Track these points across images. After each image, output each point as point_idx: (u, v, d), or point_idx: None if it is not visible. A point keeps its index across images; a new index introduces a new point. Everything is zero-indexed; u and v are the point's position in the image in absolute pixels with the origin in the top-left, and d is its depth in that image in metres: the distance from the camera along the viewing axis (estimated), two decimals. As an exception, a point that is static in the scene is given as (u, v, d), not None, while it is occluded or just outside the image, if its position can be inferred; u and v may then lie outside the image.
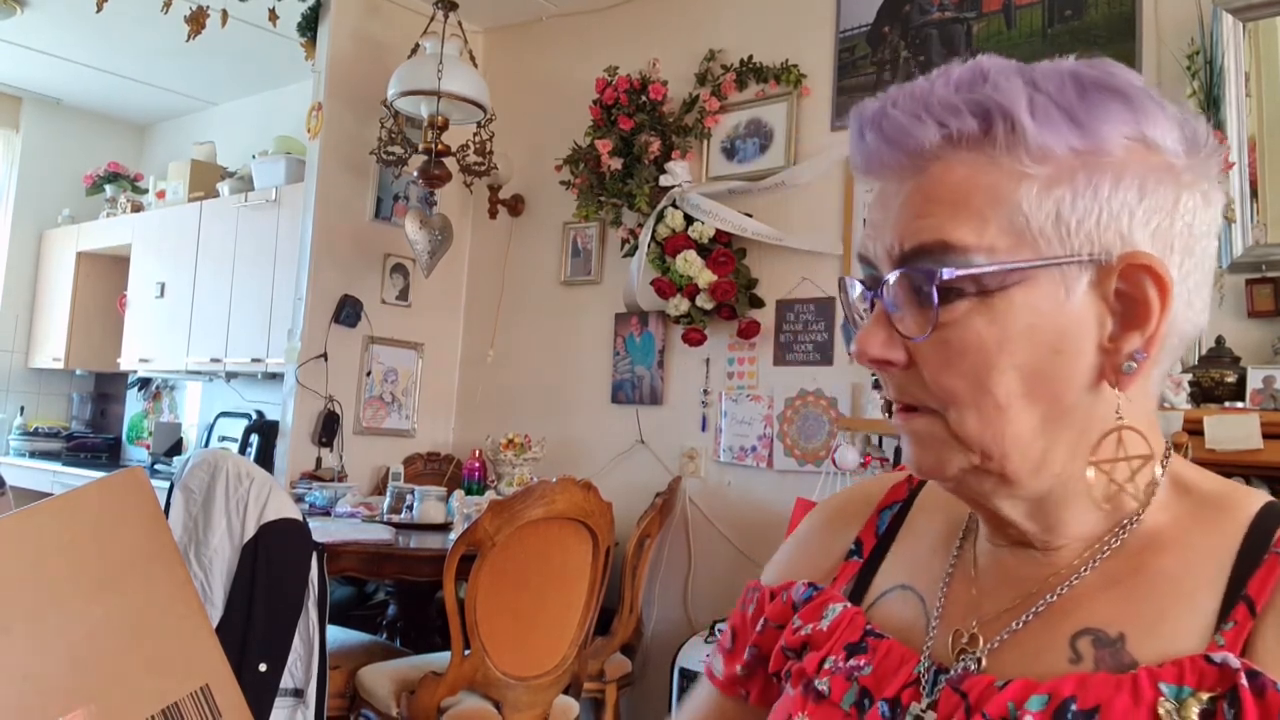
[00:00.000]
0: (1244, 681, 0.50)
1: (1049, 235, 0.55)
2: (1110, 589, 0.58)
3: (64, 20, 4.43)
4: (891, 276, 0.58)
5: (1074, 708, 0.53)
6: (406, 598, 3.30)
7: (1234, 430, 2.06)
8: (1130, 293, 0.55)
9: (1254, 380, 2.23)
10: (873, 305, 0.61)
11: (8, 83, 5.34)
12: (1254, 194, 2.45)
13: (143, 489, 0.81)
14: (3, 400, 5.56)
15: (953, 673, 0.60)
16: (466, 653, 2.41)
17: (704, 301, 3.28)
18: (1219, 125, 2.44)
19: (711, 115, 3.48)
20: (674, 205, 3.38)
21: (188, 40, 3.71)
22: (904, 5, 3.14)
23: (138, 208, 5.37)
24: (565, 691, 2.60)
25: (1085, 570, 0.59)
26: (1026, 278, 0.55)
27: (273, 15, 3.68)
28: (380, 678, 2.53)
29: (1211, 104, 2.47)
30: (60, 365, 5.41)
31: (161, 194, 5.17)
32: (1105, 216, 0.54)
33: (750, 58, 3.42)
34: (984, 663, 0.60)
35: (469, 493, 3.46)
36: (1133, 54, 2.68)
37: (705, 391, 3.45)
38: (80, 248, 5.44)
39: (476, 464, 3.76)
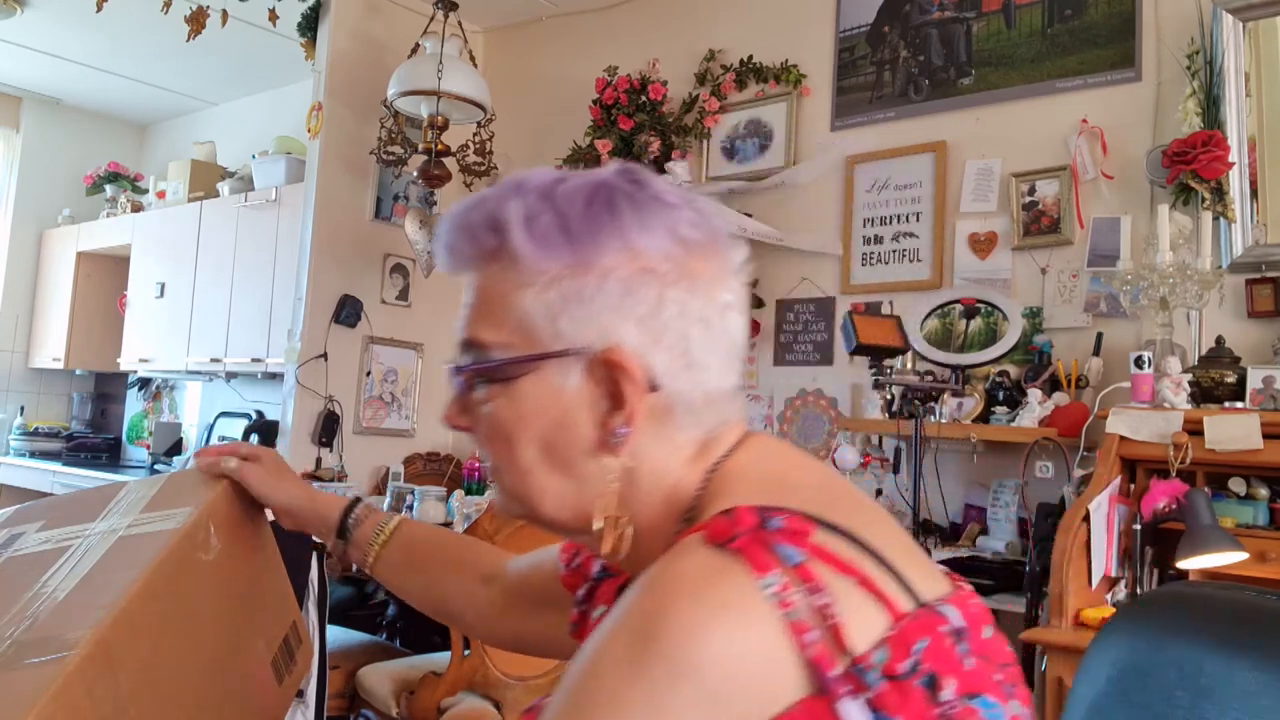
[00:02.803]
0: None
1: (546, 333, 0.66)
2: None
3: (64, 20, 4.43)
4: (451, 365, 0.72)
5: None
6: (406, 598, 3.30)
7: (1234, 430, 2.06)
8: (609, 381, 0.66)
9: (1254, 380, 2.23)
10: None
11: (8, 83, 5.34)
12: (1254, 194, 2.45)
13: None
14: (3, 400, 5.56)
15: None
16: (466, 653, 2.41)
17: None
18: (1219, 125, 2.44)
19: (711, 115, 3.48)
20: (674, 205, 3.38)
21: (188, 40, 3.71)
22: (904, 5, 3.14)
23: (138, 208, 5.37)
24: (565, 691, 2.59)
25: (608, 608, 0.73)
26: (535, 368, 0.67)
27: (273, 15, 3.68)
28: (380, 678, 2.53)
29: (1211, 104, 2.47)
30: (60, 365, 5.41)
31: (161, 194, 5.17)
32: (587, 316, 0.65)
33: (750, 58, 3.42)
34: None
35: (469, 493, 3.46)
36: (1133, 54, 2.68)
37: (705, 391, 3.44)
38: (80, 248, 5.43)
39: (476, 464, 3.76)
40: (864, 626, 0.55)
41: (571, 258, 0.66)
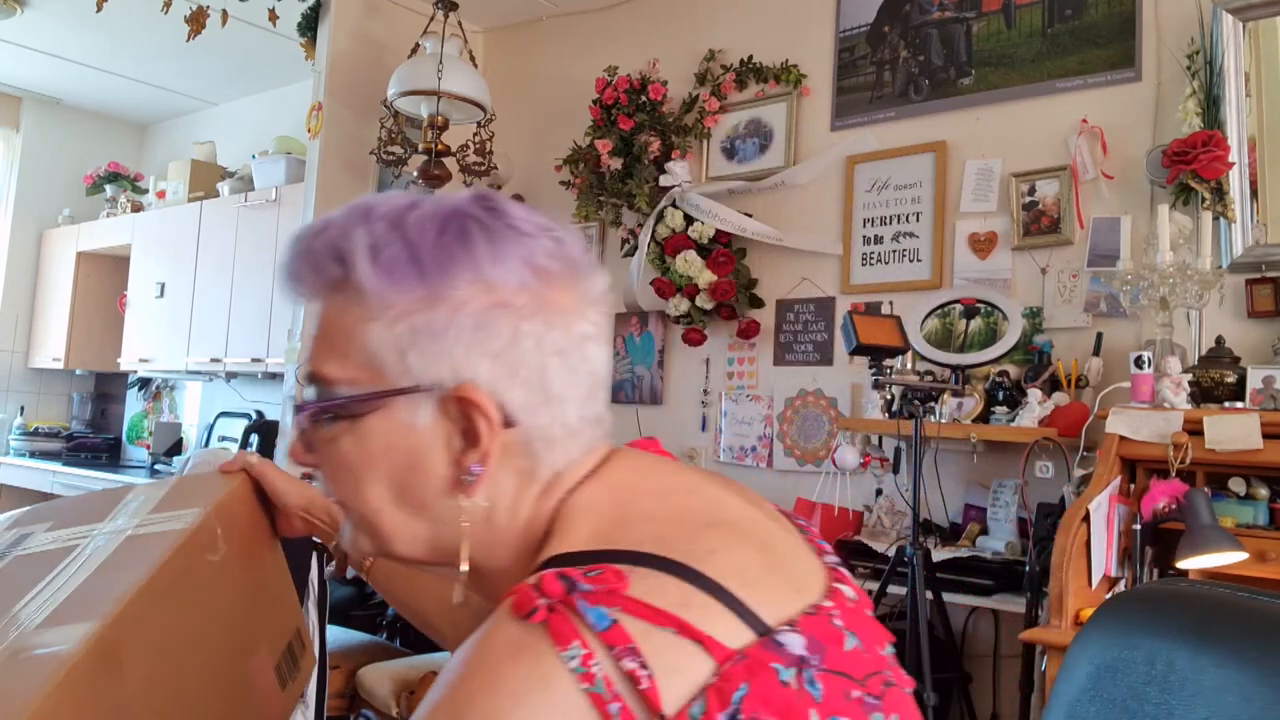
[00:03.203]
0: None
1: (394, 369, 0.64)
2: None
3: (64, 20, 4.43)
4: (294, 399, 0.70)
5: None
6: (406, 598, 3.30)
7: (1234, 430, 2.06)
8: (463, 418, 0.64)
9: (1254, 380, 2.23)
10: None
11: (8, 83, 5.33)
12: (1254, 194, 2.45)
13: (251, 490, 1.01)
14: (3, 400, 5.56)
15: None
16: (466, 653, 2.41)
17: (704, 301, 3.28)
18: (1219, 125, 2.44)
19: (711, 115, 3.48)
20: (674, 205, 3.38)
21: (188, 40, 3.71)
22: (904, 5, 3.14)
23: (138, 208, 5.37)
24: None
25: None
26: (382, 405, 0.64)
27: (273, 15, 3.68)
28: (380, 678, 2.53)
29: (1211, 104, 2.47)
30: (60, 365, 5.41)
31: (161, 194, 5.17)
32: (439, 351, 0.63)
33: (750, 58, 3.42)
34: None
35: (469, 493, 3.46)
36: (1133, 54, 2.68)
37: (705, 391, 3.45)
38: (80, 248, 5.43)
39: (476, 464, 3.75)
40: (681, 682, 0.54)
41: (422, 290, 0.63)
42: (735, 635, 0.57)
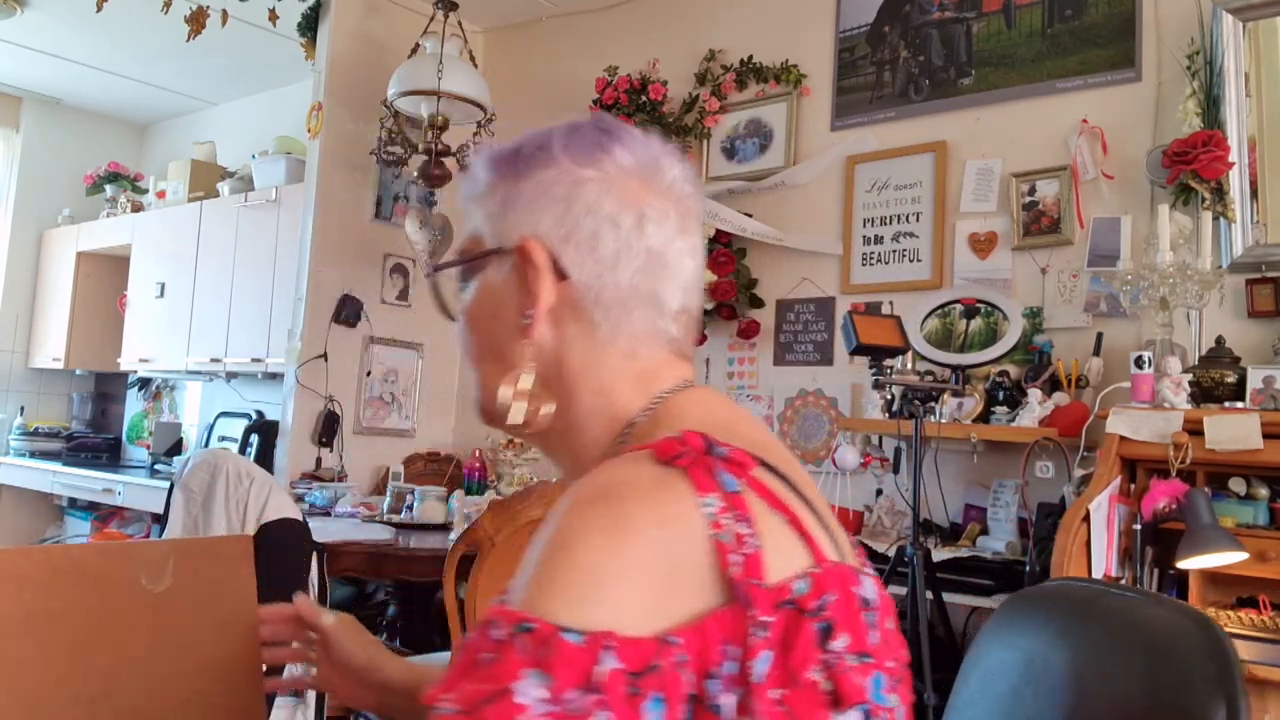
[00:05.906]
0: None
1: (488, 237, 0.76)
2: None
3: (64, 20, 4.43)
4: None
5: None
6: (406, 598, 3.30)
7: (1234, 430, 2.06)
8: (522, 269, 0.73)
9: (1254, 380, 2.23)
10: None
11: (8, 83, 5.33)
12: (1254, 194, 2.45)
13: (247, 559, 0.95)
14: (3, 400, 5.56)
15: None
16: (466, 653, 2.41)
17: (704, 301, 3.28)
18: (1219, 125, 2.44)
19: (711, 115, 3.48)
20: (674, 205, 3.38)
21: (188, 40, 3.71)
22: (904, 5, 3.14)
23: (138, 208, 5.37)
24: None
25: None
26: (482, 265, 0.76)
27: (273, 15, 3.68)
28: (380, 678, 2.52)
29: (1211, 104, 2.47)
30: (60, 365, 5.41)
31: (161, 194, 5.17)
32: (515, 217, 0.74)
33: (750, 58, 3.42)
34: None
35: (469, 493, 3.46)
36: (1133, 54, 2.68)
37: (705, 391, 3.44)
38: (80, 248, 5.43)
39: (476, 464, 3.76)
40: (784, 563, 0.58)
41: (514, 175, 0.75)
42: (829, 550, 0.62)
